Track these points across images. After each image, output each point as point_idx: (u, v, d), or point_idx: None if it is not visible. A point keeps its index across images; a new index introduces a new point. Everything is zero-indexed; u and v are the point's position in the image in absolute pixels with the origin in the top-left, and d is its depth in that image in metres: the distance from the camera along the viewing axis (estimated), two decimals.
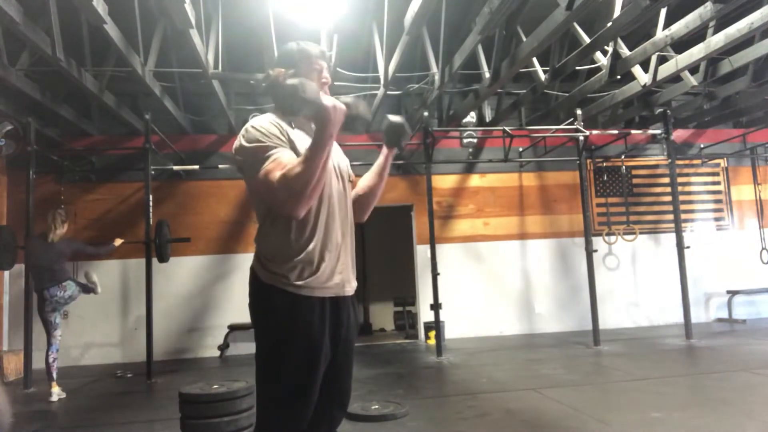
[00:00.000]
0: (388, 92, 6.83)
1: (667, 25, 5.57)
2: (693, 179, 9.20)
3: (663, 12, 5.64)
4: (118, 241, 6.11)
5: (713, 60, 6.56)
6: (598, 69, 6.86)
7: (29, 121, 6.24)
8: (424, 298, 7.92)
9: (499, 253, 8.51)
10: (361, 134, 7.74)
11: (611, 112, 8.51)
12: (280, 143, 1.75)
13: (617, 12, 5.19)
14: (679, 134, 8.92)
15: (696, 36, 5.60)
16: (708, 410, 3.94)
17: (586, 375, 5.42)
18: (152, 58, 6.12)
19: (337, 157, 1.95)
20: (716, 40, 5.55)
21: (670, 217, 7.87)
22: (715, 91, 7.76)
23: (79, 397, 5.35)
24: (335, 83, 6.26)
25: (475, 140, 8.46)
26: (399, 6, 5.27)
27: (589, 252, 7.07)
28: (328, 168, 1.83)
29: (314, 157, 1.63)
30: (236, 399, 3.39)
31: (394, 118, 2.02)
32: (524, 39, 5.70)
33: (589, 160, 8.61)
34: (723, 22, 5.48)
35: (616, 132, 8.24)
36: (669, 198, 8.13)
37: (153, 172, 6.53)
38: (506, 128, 7.41)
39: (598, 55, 6.65)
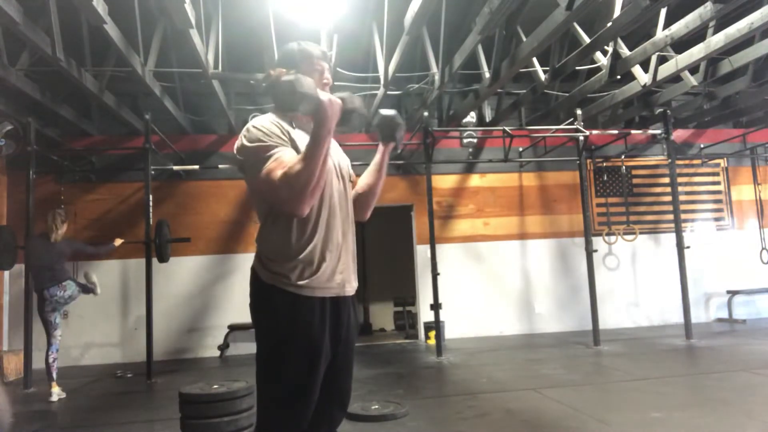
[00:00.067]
0: (388, 92, 6.83)
1: (667, 25, 5.57)
2: (693, 179, 9.20)
3: (663, 12, 5.64)
4: (118, 241, 6.11)
5: (713, 60, 6.56)
6: (598, 69, 6.86)
7: (29, 121, 6.24)
8: (424, 298, 7.92)
9: (499, 253, 8.51)
10: (360, 134, 7.75)
11: (611, 112, 8.51)
12: (282, 142, 1.75)
13: (617, 12, 5.19)
14: (679, 134, 8.92)
15: (696, 36, 5.60)
16: (708, 410, 3.94)
17: (586, 375, 5.43)
18: (152, 58, 6.12)
19: (338, 157, 1.96)
20: (716, 40, 5.55)
21: (670, 217, 7.87)
22: (715, 91, 7.77)
23: (79, 397, 5.35)
24: (335, 83, 6.28)
25: (475, 140, 8.46)
26: (399, 6, 5.27)
27: (589, 252, 7.07)
28: (329, 167, 1.83)
29: (314, 153, 1.64)
30: (236, 399, 3.39)
31: (386, 111, 2.01)
32: (524, 39, 5.70)
33: (589, 160, 8.61)
34: (723, 22, 5.48)
35: (616, 132, 8.24)
36: (669, 198, 8.13)
37: (153, 172, 6.53)
38: (506, 128, 7.41)
39: (598, 55, 6.65)
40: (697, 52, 5.85)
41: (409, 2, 4.91)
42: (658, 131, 7.78)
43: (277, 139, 1.75)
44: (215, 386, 3.52)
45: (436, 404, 4.58)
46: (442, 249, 7.61)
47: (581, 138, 7.24)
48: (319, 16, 5.37)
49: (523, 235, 8.63)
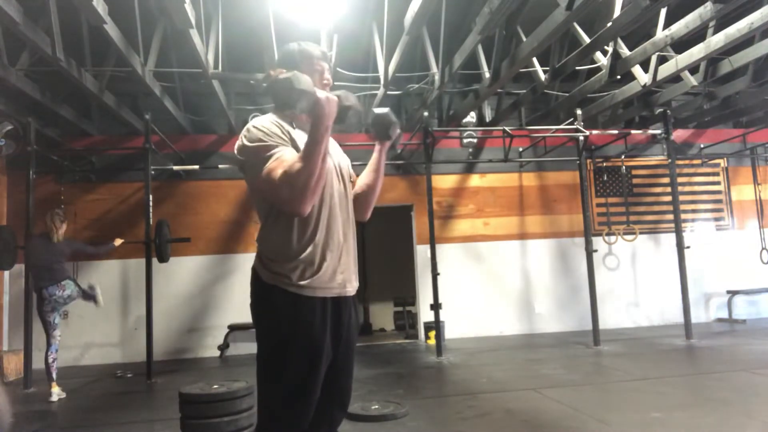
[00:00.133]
0: (388, 92, 6.83)
1: (667, 25, 5.57)
2: (693, 179, 9.20)
3: (663, 12, 5.64)
4: (118, 241, 6.12)
5: (713, 60, 6.56)
6: (598, 69, 6.86)
7: (29, 121, 6.24)
8: (424, 298, 7.92)
9: (499, 253, 8.51)
10: (360, 134, 7.75)
11: (611, 112, 8.51)
12: (282, 142, 1.76)
13: (617, 12, 5.19)
14: (679, 134, 8.93)
15: (696, 36, 5.60)
16: (708, 410, 3.94)
17: (586, 375, 5.43)
18: (152, 58, 6.12)
19: (338, 157, 1.96)
20: (716, 40, 5.55)
21: (670, 217, 7.87)
22: (715, 91, 7.77)
23: (79, 397, 5.35)
24: (335, 83, 6.28)
25: (475, 140, 8.46)
26: (399, 6, 5.27)
27: (589, 252, 7.07)
28: (329, 167, 1.83)
29: (313, 151, 1.64)
30: (236, 399, 3.39)
31: (379, 110, 2.01)
32: (524, 39, 5.70)
33: (589, 160, 8.61)
34: (723, 22, 5.48)
35: (616, 132, 8.24)
36: (669, 198, 8.13)
37: (153, 172, 6.53)
38: (506, 128, 7.41)
39: (598, 55, 6.65)
40: (697, 52, 5.85)
41: (409, 2, 4.91)
42: (658, 131, 7.78)
43: (278, 139, 1.75)
44: (215, 386, 3.52)
45: (436, 404, 4.58)
46: (442, 249, 7.62)
47: (581, 138, 7.24)
48: (319, 16, 5.37)
49: (523, 235, 8.63)
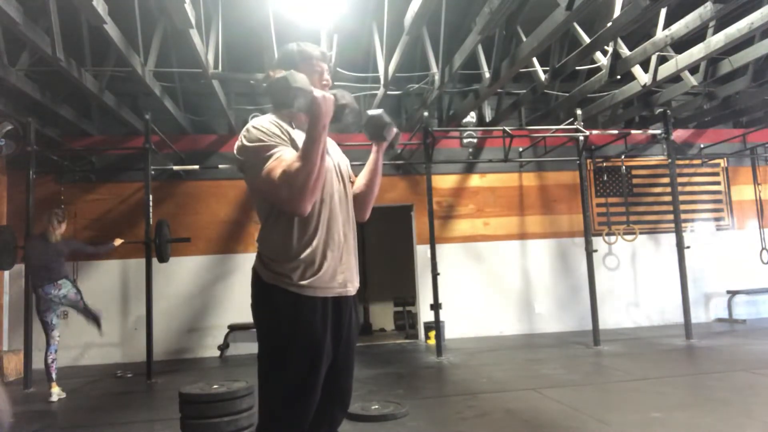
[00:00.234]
0: (388, 92, 6.83)
1: (667, 25, 5.57)
2: (693, 179, 9.20)
3: (663, 12, 5.64)
4: (117, 241, 6.11)
5: (713, 60, 6.56)
6: (598, 69, 6.86)
7: (29, 121, 6.24)
8: (424, 298, 7.92)
9: (499, 253, 8.51)
10: (359, 134, 7.75)
11: (611, 112, 8.51)
12: (282, 142, 1.76)
13: (617, 12, 5.19)
14: (679, 134, 8.93)
15: (696, 36, 5.60)
16: (708, 410, 3.94)
17: (586, 375, 5.43)
18: (152, 58, 6.12)
19: (337, 158, 1.96)
20: (716, 40, 5.55)
21: (670, 217, 7.87)
22: (715, 91, 7.76)
23: (79, 397, 5.35)
24: (335, 83, 6.27)
25: (475, 140, 8.46)
26: (399, 6, 5.27)
27: (589, 252, 7.07)
28: (329, 167, 1.84)
29: (311, 150, 1.65)
30: (236, 399, 3.38)
31: (372, 111, 2.01)
32: (524, 39, 5.70)
33: (589, 160, 8.61)
34: (723, 22, 5.48)
35: (616, 132, 8.24)
36: (669, 198, 8.13)
37: (153, 172, 6.53)
38: (506, 128, 7.41)
39: (598, 55, 6.65)
40: (697, 52, 5.85)
41: (409, 2, 4.91)
42: (658, 131, 7.78)
43: (277, 139, 1.76)
44: (215, 386, 3.52)
45: (436, 404, 4.58)
46: (442, 249, 7.62)
47: (581, 138, 7.24)
48: (319, 16, 5.37)
49: (523, 235, 8.63)
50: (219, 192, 7.94)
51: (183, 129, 7.90)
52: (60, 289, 5.29)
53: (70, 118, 7.08)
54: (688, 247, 7.31)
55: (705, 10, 4.93)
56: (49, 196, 7.36)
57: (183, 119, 7.72)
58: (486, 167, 8.55)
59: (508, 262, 8.53)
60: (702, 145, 9.17)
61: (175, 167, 7.48)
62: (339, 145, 2.11)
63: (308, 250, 1.76)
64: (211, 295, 7.77)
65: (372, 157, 2.07)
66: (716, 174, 9.34)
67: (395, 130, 2.03)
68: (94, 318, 5.64)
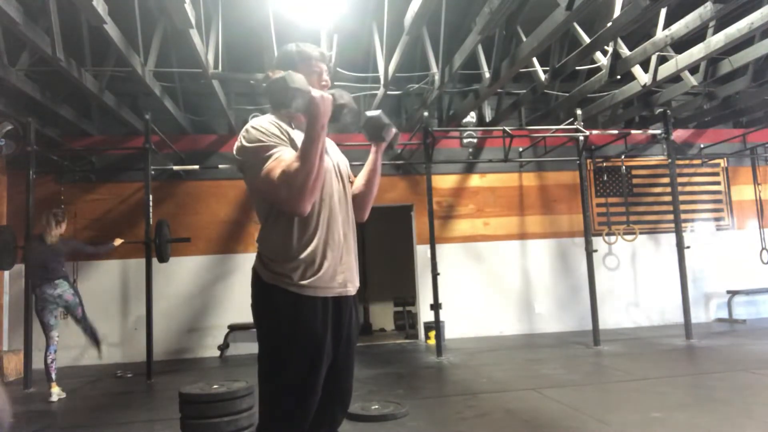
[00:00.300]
0: (388, 92, 6.83)
1: (667, 25, 5.57)
2: (693, 179, 9.20)
3: (663, 12, 5.64)
4: (117, 241, 6.12)
5: (713, 60, 6.56)
6: (598, 69, 6.86)
7: (29, 121, 6.24)
8: (424, 298, 7.92)
9: (499, 253, 8.51)
10: (358, 134, 7.75)
11: (611, 112, 8.51)
12: (281, 142, 1.76)
13: (617, 12, 5.19)
14: (679, 134, 8.93)
15: (696, 36, 5.60)
16: (708, 410, 3.94)
17: (586, 375, 5.42)
18: (152, 58, 6.12)
19: (336, 158, 1.96)
20: (716, 40, 5.55)
21: (670, 217, 7.87)
22: (715, 91, 7.76)
23: (79, 397, 5.35)
24: (335, 83, 6.27)
25: (475, 140, 8.46)
26: (399, 6, 5.27)
27: (589, 252, 7.07)
28: (328, 168, 1.84)
29: (309, 150, 1.65)
30: (236, 399, 3.38)
31: (371, 112, 2.01)
32: (524, 39, 5.70)
33: (589, 160, 8.61)
34: (723, 22, 5.48)
35: (616, 132, 8.24)
36: (669, 198, 8.13)
37: (153, 172, 6.53)
38: (506, 128, 7.41)
39: (598, 55, 6.65)
40: (697, 52, 5.85)
41: (409, 2, 4.91)
42: (658, 131, 7.78)
43: (277, 139, 1.76)
44: (215, 386, 3.52)
45: (436, 404, 4.58)
46: (442, 249, 7.62)
47: (581, 138, 7.24)
48: (319, 16, 5.37)
49: (523, 235, 8.63)
50: (219, 192, 7.94)
51: (183, 129, 7.90)
52: (56, 288, 5.29)
53: (70, 118, 7.08)
54: (688, 247, 7.31)
55: (705, 10, 4.92)
56: (49, 196, 7.36)
57: (183, 119, 7.72)
58: (486, 167, 8.55)
59: (508, 262, 8.53)
60: (702, 145, 9.17)
61: (175, 167, 7.48)
62: (338, 145, 2.12)
63: (308, 250, 1.76)
64: (211, 295, 7.77)
65: (371, 157, 2.07)
66: (716, 174, 9.34)
67: (394, 130, 2.03)
68: (92, 335, 5.59)
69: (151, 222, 6.24)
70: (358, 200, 2.06)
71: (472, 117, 8.31)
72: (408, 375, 5.81)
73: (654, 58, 6.32)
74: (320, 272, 1.77)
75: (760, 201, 9.21)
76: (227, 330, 7.55)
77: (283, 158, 1.70)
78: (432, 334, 7.56)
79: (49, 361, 5.24)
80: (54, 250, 5.40)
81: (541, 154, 8.54)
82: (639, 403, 4.19)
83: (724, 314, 8.85)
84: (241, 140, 1.79)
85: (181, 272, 7.67)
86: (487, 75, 6.57)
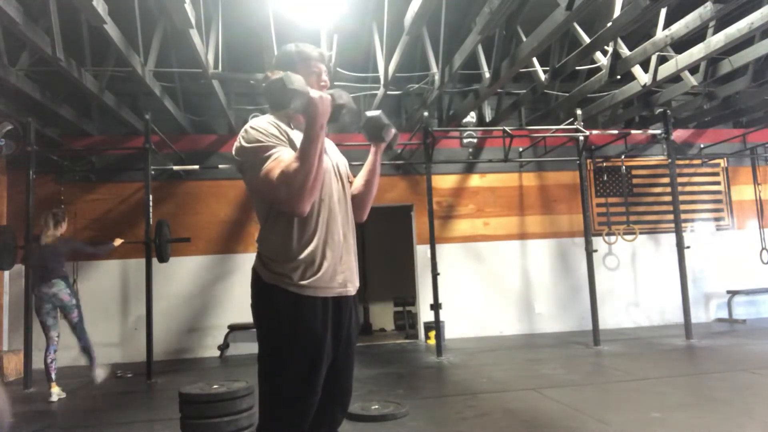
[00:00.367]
0: (388, 92, 6.83)
1: (667, 25, 5.57)
2: (693, 179, 9.20)
3: (663, 12, 5.64)
4: (117, 241, 6.11)
5: (713, 60, 6.56)
6: (598, 69, 6.86)
7: (29, 121, 6.24)
8: (424, 298, 7.92)
9: (499, 253, 8.51)
10: (358, 134, 7.75)
11: (611, 112, 8.51)
12: (280, 142, 1.76)
13: (617, 12, 5.19)
14: (679, 134, 8.92)
15: (696, 36, 5.60)
16: (708, 410, 3.94)
17: (586, 375, 5.42)
18: (152, 58, 6.12)
19: (336, 158, 1.96)
20: (716, 40, 5.55)
21: (670, 217, 7.86)
22: (715, 91, 7.76)
23: (79, 397, 5.36)
24: (335, 83, 6.27)
25: (475, 140, 8.46)
26: (399, 6, 5.27)
27: (589, 252, 7.07)
28: (327, 167, 1.84)
29: (308, 150, 1.65)
30: (236, 399, 3.38)
31: (370, 112, 2.01)
32: (524, 39, 5.70)
33: (589, 160, 8.61)
34: (723, 22, 5.48)
35: (616, 132, 8.24)
36: (669, 198, 8.13)
37: (153, 172, 6.53)
38: (506, 128, 7.41)
39: (598, 55, 6.65)
40: (697, 52, 5.85)
41: (409, 2, 4.91)
42: (658, 131, 7.78)
43: (276, 140, 1.76)
44: (215, 386, 3.52)
45: (436, 404, 4.58)
46: (442, 249, 7.62)
47: (581, 138, 7.24)
48: (319, 16, 5.37)
49: (523, 235, 8.63)
50: (219, 192, 7.94)
51: (183, 129, 7.90)
52: (52, 287, 5.29)
53: (70, 118, 7.08)
54: (688, 247, 7.31)
55: (705, 10, 4.92)
56: (49, 196, 7.36)
57: (183, 119, 7.72)
58: (486, 167, 8.55)
59: (508, 262, 8.53)
60: (702, 145, 9.17)
61: (175, 167, 7.48)
62: (338, 145, 2.12)
63: (308, 250, 1.76)
64: (211, 295, 7.77)
65: (370, 158, 2.07)
66: (716, 174, 9.34)
67: (394, 131, 2.03)
68: (86, 350, 5.49)
69: (151, 222, 6.24)
70: (358, 200, 2.06)
71: (472, 117, 8.31)
72: (408, 375, 5.81)
73: (654, 58, 6.32)
74: (320, 272, 1.77)
75: (760, 201, 9.21)
76: (227, 330, 7.55)
77: (282, 158, 1.70)
78: (432, 334, 7.56)
79: (48, 361, 5.25)
80: (51, 250, 5.40)
81: (541, 154, 8.54)
82: (639, 403, 4.19)
83: (724, 314, 8.84)
84: (240, 141, 1.79)
85: (181, 272, 7.67)
86: (487, 75, 6.57)
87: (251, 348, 7.38)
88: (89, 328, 6.99)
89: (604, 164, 8.82)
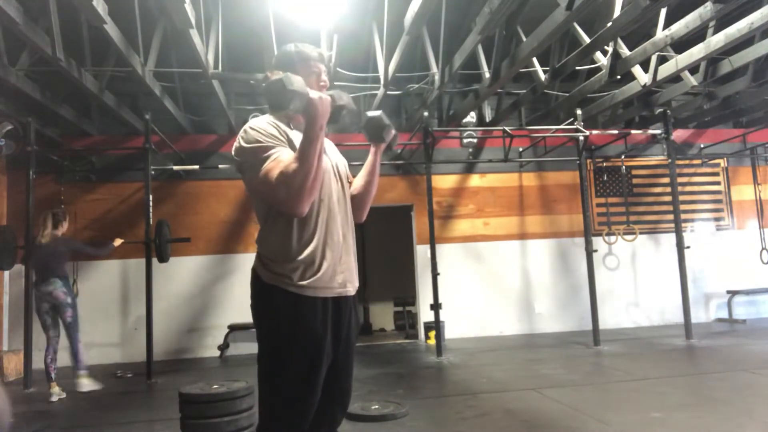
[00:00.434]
0: (388, 92, 6.83)
1: (667, 25, 5.57)
2: (693, 179, 9.20)
3: (663, 12, 5.64)
4: (117, 241, 6.11)
5: (713, 60, 6.56)
6: (598, 69, 6.86)
7: (29, 121, 6.24)
8: (424, 298, 7.92)
9: (499, 253, 8.51)
10: (358, 134, 7.75)
11: (611, 112, 8.51)
12: (279, 143, 1.76)
13: (617, 12, 5.19)
14: (679, 134, 8.92)
15: (696, 36, 5.60)
16: (708, 410, 3.94)
17: (586, 375, 5.42)
18: (152, 58, 6.12)
19: (335, 158, 1.96)
20: (716, 40, 5.55)
21: (670, 217, 7.86)
22: (715, 91, 7.76)
23: (79, 397, 5.34)
24: (335, 83, 6.27)
25: (475, 140, 8.46)
26: (399, 6, 5.27)
27: (589, 252, 7.07)
28: (326, 168, 1.84)
29: (308, 150, 1.65)
30: (236, 399, 3.38)
31: (371, 113, 2.02)
32: (524, 39, 5.70)
33: (589, 160, 8.61)
34: (723, 22, 5.48)
35: (616, 132, 8.24)
36: (669, 198, 8.13)
37: (153, 172, 6.53)
38: (506, 128, 7.41)
39: (598, 55, 6.65)
40: (697, 52, 5.85)
41: (409, 2, 4.91)
42: (658, 131, 7.78)
43: (275, 140, 1.76)
44: (215, 386, 3.52)
45: (436, 404, 4.58)
46: (442, 249, 7.61)
47: (581, 138, 7.24)
48: (319, 16, 5.37)
49: (523, 235, 8.63)
50: (219, 192, 7.94)
51: (183, 129, 7.90)
52: (48, 285, 5.29)
53: (70, 118, 7.08)
54: (688, 247, 7.31)
55: (705, 10, 4.92)
56: (49, 196, 7.36)
57: (183, 119, 7.72)
58: (486, 167, 8.55)
59: (508, 262, 8.53)
60: (702, 145, 9.17)
61: (175, 167, 7.48)
62: (338, 145, 2.12)
63: (307, 251, 1.76)
64: (211, 295, 7.77)
65: (370, 158, 2.07)
66: (716, 174, 9.34)
67: (394, 131, 2.04)
68: (74, 354, 5.38)
69: (151, 222, 6.24)
70: (357, 201, 2.06)
71: (472, 117, 8.31)
72: (408, 375, 5.81)
73: (654, 58, 6.32)
74: (320, 272, 1.77)
75: (760, 201, 9.21)
76: (227, 330, 7.55)
77: (281, 159, 1.70)
78: (432, 334, 7.56)
79: (48, 360, 5.25)
80: (50, 249, 5.40)
81: (541, 154, 8.54)
82: (639, 403, 4.19)
83: (724, 314, 8.84)
84: (239, 141, 1.79)
85: (181, 272, 7.67)
86: (487, 75, 6.57)
87: (251, 348, 7.38)
88: (90, 328, 6.98)
89: (604, 164, 8.82)
